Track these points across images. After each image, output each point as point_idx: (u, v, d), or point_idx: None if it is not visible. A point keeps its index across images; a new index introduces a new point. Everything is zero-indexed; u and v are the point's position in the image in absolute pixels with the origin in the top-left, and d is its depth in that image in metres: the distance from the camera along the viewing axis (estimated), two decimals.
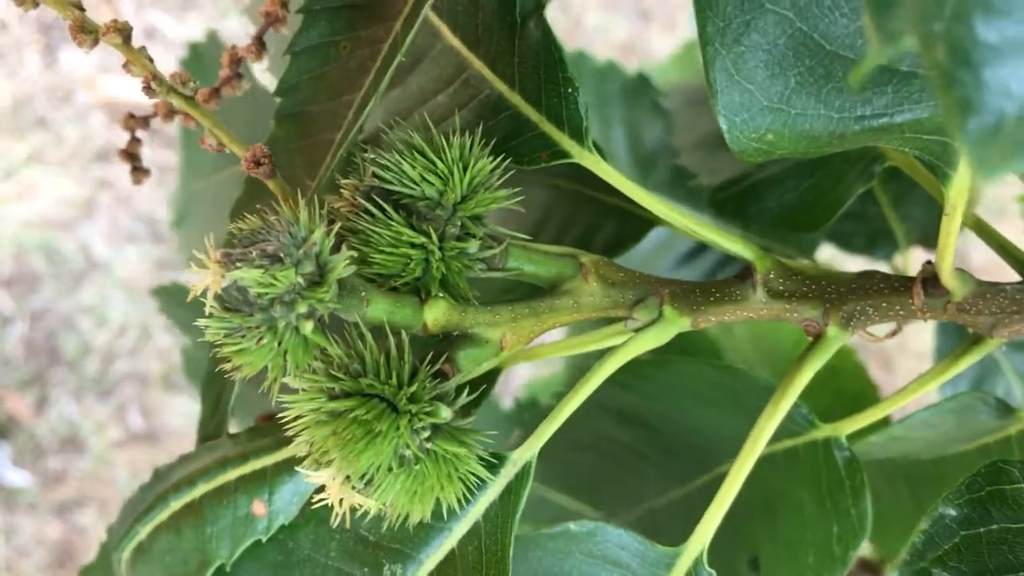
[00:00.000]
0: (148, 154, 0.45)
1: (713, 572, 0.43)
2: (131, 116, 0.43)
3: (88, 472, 1.93)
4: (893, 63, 0.34)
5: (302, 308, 0.35)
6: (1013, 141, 0.19)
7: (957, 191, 0.36)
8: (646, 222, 0.51)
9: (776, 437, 0.48)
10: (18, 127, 2.10)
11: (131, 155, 0.44)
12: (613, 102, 0.76)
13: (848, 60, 0.34)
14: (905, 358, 1.97)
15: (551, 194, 0.61)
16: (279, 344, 0.35)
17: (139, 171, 0.44)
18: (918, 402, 0.50)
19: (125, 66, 0.39)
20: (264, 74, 0.62)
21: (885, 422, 0.51)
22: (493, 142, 0.42)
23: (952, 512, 0.39)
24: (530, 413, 0.80)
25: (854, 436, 0.48)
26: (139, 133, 0.46)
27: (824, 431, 0.46)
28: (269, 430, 0.42)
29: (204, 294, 0.35)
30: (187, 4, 2.26)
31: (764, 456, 0.49)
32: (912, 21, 0.20)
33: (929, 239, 0.64)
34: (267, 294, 0.34)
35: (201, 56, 0.65)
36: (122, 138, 0.46)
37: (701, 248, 0.72)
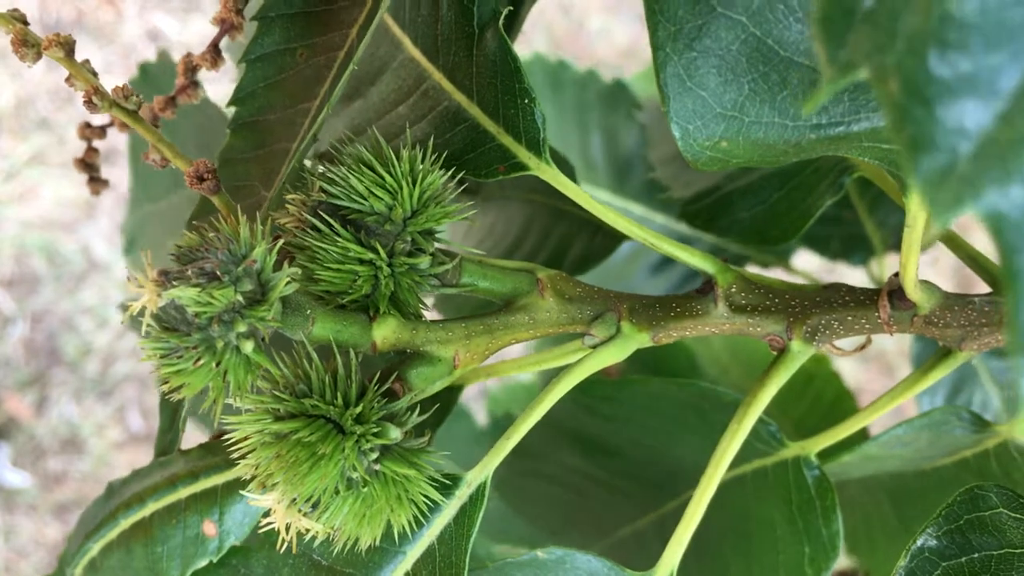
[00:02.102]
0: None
1: None
2: (87, 125, 0.42)
3: (88, 473, 1.93)
4: None
5: (242, 327, 0.34)
6: (967, 181, 0.18)
7: (918, 203, 0.34)
8: (617, 236, 0.50)
9: (745, 458, 0.47)
10: (21, 128, 2.11)
11: (88, 165, 0.43)
12: (592, 109, 0.76)
13: (803, 67, 0.33)
14: (907, 363, 1.95)
15: (529, 209, 0.60)
16: (218, 364, 0.34)
17: (96, 181, 0.43)
18: (896, 416, 0.49)
19: (68, 80, 0.38)
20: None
21: (863, 436, 0.49)
22: (452, 154, 0.41)
23: (932, 543, 0.38)
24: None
25: (828, 452, 0.47)
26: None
27: (793, 449, 0.45)
28: (221, 448, 0.41)
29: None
30: (190, 6, 2.26)
31: (734, 478, 0.48)
32: (864, 53, 0.20)
33: (895, 241, 0.63)
34: (205, 313, 0.33)
35: (151, 77, 0.64)
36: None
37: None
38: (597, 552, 0.41)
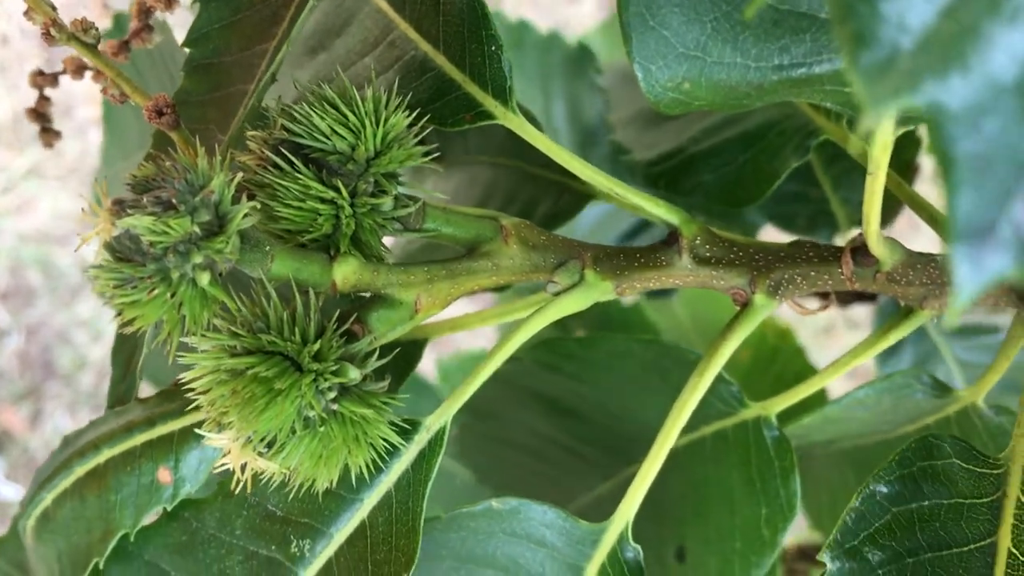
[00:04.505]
0: None
1: (639, 547, 0.42)
2: (40, 73, 0.41)
3: None
4: (812, 9, 0.33)
5: (198, 258, 0.33)
6: (906, 74, 0.18)
7: (880, 147, 0.35)
8: (582, 196, 0.50)
9: (705, 419, 0.47)
10: (18, 141, 2.09)
11: (40, 115, 0.42)
12: (555, 75, 0.75)
13: (766, 5, 0.33)
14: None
15: (493, 173, 0.60)
16: (172, 296, 0.34)
17: (49, 132, 0.43)
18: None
19: (27, 13, 0.37)
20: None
21: (824, 398, 0.49)
22: (418, 104, 0.41)
23: (883, 489, 0.38)
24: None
25: (789, 414, 0.47)
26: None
27: (754, 410, 0.45)
28: (178, 394, 0.40)
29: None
30: (187, 21, 2.25)
31: (693, 441, 0.48)
32: None
33: None
34: (160, 243, 0.33)
35: (126, 27, 0.64)
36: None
37: (645, 224, 0.71)
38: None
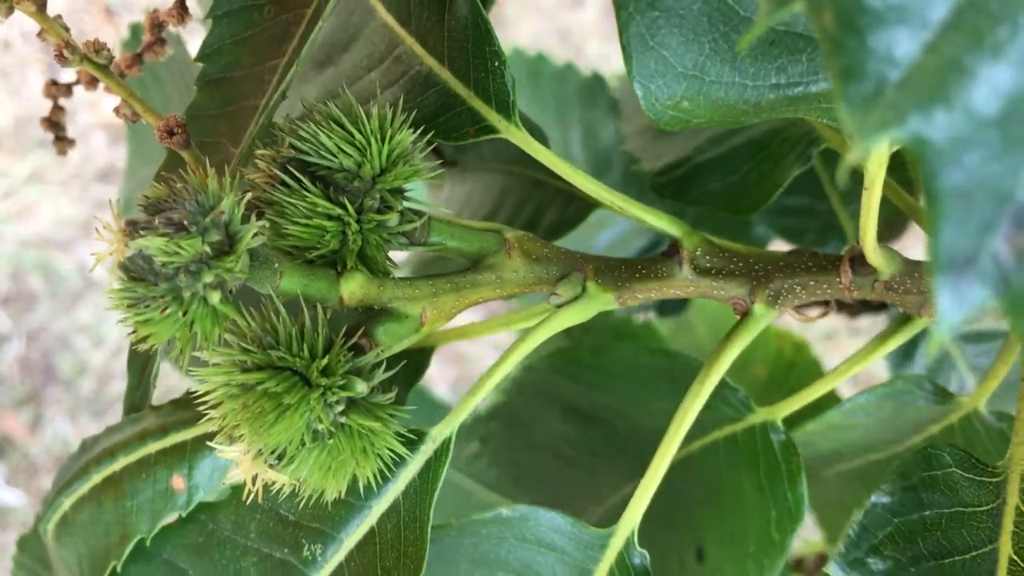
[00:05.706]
0: None
1: (645, 553, 0.42)
2: (53, 83, 0.42)
3: None
4: (808, 30, 0.34)
5: (208, 278, 0.34)
6: (892, 107, 0.19)
7: (875, 163, 0.35)
8: (588, 204, 0.51)
9: (716, 424, 0.48)
10: (20, 146, 2.10)
11: (54, 123, 0.43)
12: (571, 104, 0.77)
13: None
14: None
15: (505, 180, 0.60)
16: (184, 314, 0.35)
17: (63, 140, 0.44)
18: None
19: (40, 34, 0.38)
20: None
21: (831, 404, 0.50)
22: (423, 118, 0.42)
23: (885, 500, 0.39)
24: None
25: (797, 419, 0.47)
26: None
27: (760, 415, 0.46)
28: (190, 403, 0.41)
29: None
30: (190, 28, 2.26)
31: (706, 446, 0.49)
32: None
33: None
34: (172, 263, 0.34)
35: (140, 39, 0.65)
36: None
37: (660, 239, 0.71)
38: (591, 519, 0.42)
